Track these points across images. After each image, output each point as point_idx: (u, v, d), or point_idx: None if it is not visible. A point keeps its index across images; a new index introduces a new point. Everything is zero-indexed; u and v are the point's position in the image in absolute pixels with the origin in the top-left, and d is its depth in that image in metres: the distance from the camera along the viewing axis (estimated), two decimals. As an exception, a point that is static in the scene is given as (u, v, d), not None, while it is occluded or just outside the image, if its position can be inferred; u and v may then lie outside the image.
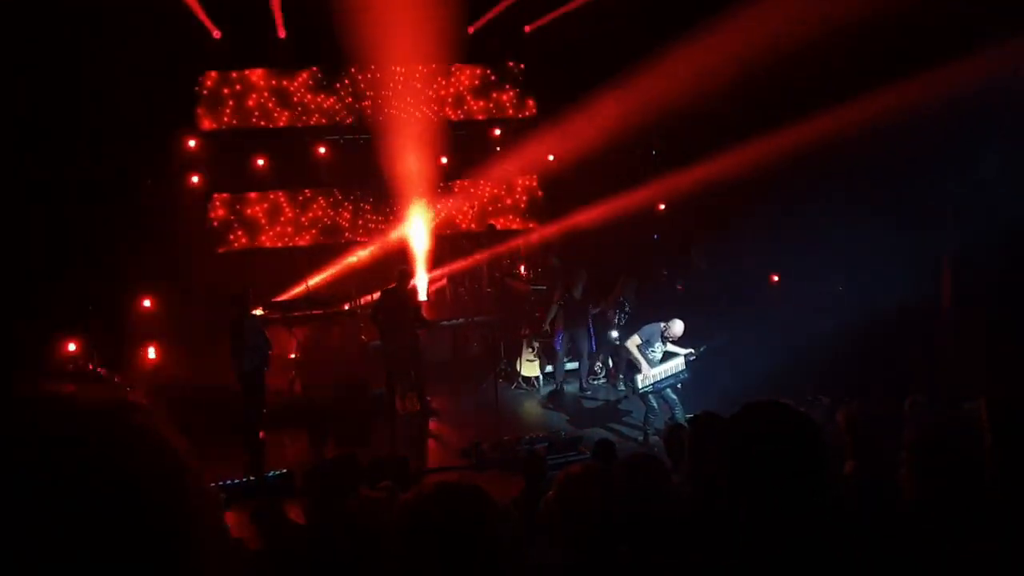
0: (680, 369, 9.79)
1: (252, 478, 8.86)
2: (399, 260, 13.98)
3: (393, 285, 11.33)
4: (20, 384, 0.85)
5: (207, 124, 14.76)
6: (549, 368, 12.50)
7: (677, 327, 9.75)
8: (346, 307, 15.21)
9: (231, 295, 10.36)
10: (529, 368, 12.45)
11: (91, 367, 11.08)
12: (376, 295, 13.13)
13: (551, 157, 15.89)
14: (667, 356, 9.86)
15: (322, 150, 15.40)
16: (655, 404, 9.80)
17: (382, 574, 2.61)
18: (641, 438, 9.91)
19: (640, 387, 9.75)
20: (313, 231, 15.92)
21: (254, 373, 10.14)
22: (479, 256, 15.80)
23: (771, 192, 12.22)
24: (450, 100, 15.92)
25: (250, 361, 10.05)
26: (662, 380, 9.74)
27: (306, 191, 15.73)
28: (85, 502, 0.77)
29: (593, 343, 12.08)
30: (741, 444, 1.89)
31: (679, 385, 9.88)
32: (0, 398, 0.83)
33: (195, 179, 14.71)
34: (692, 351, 9.89)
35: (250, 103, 14.91)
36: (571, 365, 12.63)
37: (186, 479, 0.87)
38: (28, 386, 0.84)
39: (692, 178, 13.10)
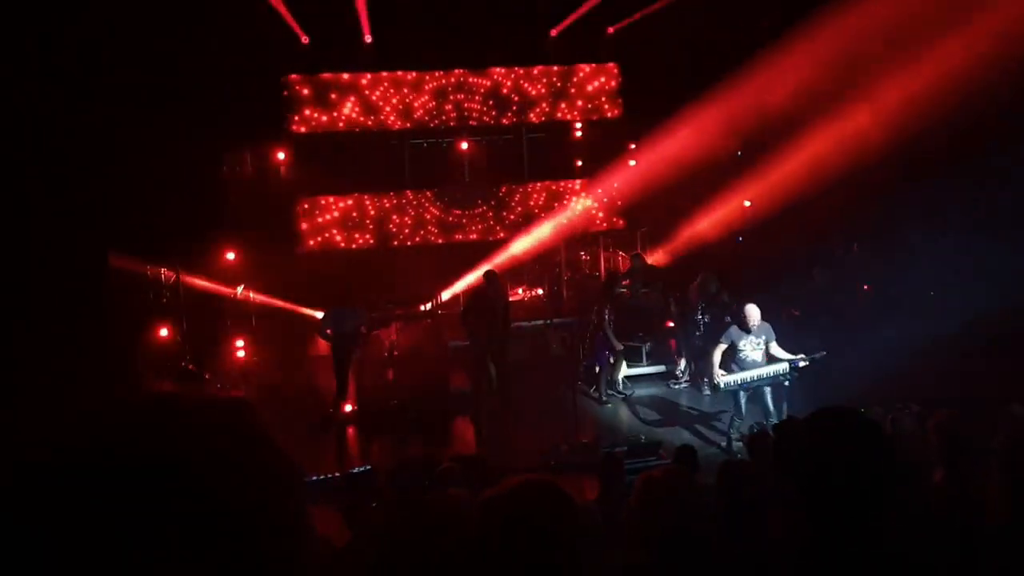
0: (778, 372, 9.35)
1: (336, 475, 9.03)
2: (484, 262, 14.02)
3: (482, 285, 11.37)
4: (133, 384, 0.90)
5: (296, 128, 15.08)
6: (634, 371, 12.38)
7: (751, 312, 9.26)
8: (427, 306, 15.37)
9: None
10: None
11: (182, 364, 11.44)
12: (461, 294, 13.26)
13: (632, 163, 15.74)
14: (771, 360, 9.41)
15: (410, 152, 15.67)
16: (743, 406, 9.50)
17: (463, 572, 2.65)
18: (724, 444, 9.72)
19: (732, 383, 9.35)
20: (400, 232, 16.04)
21: (341, 359, 11.08)
22: (559, 257, 15.82)
23: (874, 200, 11.99)
24: (532, 102, 15.90)
25: (339, 348, 11.04)
26: (756, 380, 9.35)
27: (392, 194, 15.89)
28: (211, 502, 0.80)
29: (606, 351, 11.75)
30: (807, 451, 1.89)
31: (786, 383, 9.45)
32: (119, 398, 0.87)
33: (283, 181, 15.12)
34: (803, 356, 9.38)
35: (338, 107, 15.17)
36: (653, 369, 12.53)
37: (296, 477, 0.91)
38: (143, 387, 0.90)
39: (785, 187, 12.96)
